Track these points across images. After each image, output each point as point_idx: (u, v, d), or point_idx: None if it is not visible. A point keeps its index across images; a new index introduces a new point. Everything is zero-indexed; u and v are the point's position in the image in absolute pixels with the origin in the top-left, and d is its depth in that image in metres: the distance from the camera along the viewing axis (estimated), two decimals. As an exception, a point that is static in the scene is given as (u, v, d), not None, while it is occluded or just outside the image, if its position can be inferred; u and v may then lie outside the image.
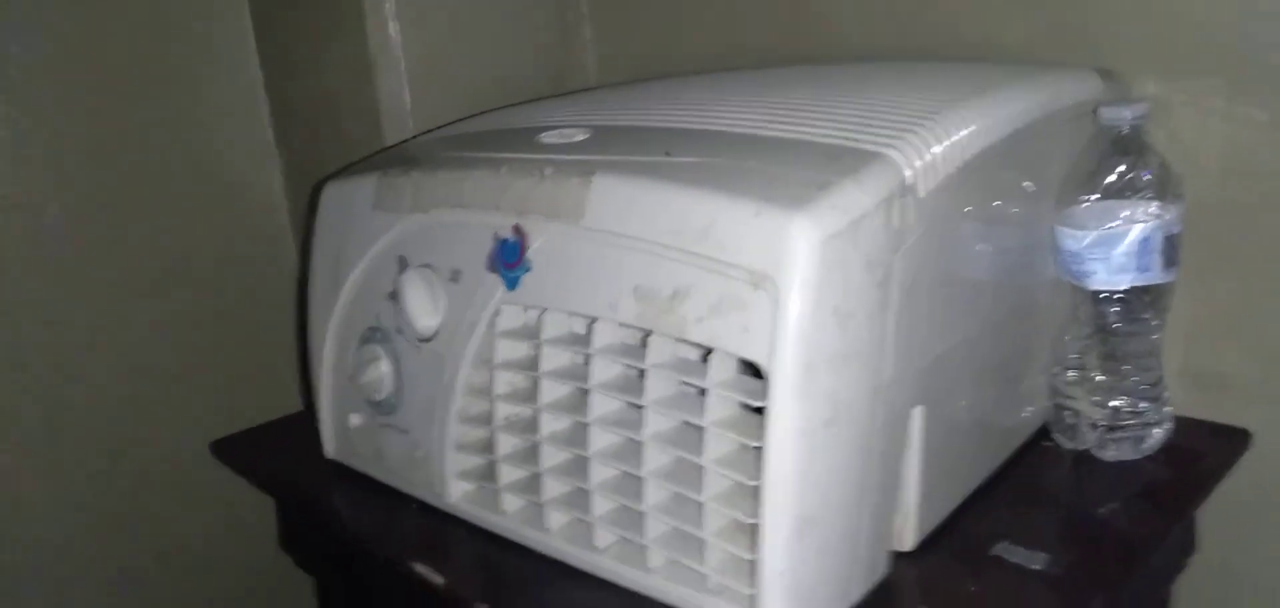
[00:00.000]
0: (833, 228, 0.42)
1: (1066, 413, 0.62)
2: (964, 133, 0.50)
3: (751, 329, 0.43)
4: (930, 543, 0.53)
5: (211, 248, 1.03)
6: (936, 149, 0.48)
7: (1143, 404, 0.60)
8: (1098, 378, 0.61)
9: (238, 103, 1.02)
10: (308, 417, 0.74)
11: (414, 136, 0.82)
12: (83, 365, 0.97)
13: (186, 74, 0.98)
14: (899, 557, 0.52)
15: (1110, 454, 0.60)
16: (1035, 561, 0.52)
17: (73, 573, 0.99)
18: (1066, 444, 0.63)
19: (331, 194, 0.68)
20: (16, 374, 0.93)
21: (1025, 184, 0.58)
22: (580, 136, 0.58)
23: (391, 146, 0.80)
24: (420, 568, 0.59)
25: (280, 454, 0.77)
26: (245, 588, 1.09)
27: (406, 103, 0.83)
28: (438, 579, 0.58)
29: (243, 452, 0.79)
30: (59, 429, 0.96)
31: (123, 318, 0.98)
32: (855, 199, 0.43)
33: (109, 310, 0.98)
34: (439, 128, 0.77)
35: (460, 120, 0.77)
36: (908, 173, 0.46)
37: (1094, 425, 0.61)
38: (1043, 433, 0.64)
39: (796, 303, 0.42)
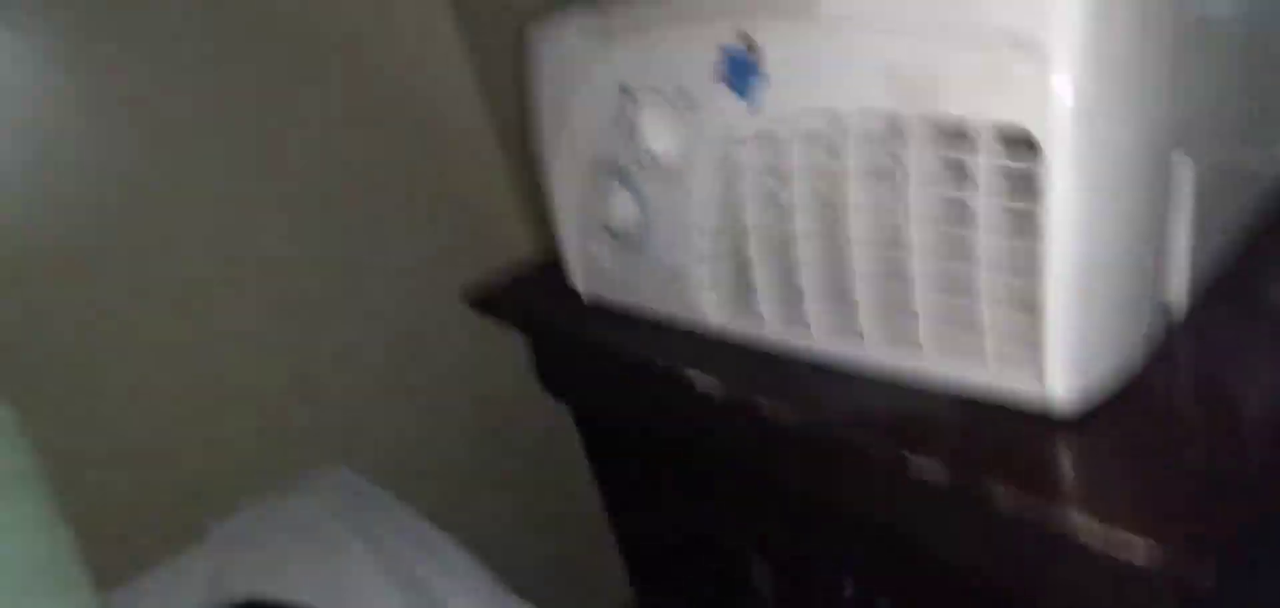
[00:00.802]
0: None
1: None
2: None
3: (1019, 97, 0.42)
4: (1210, 297, 0.51)
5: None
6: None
7: None
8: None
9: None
10: (547, 262, 0.78)
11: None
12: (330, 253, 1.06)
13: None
14: (1179, 314, 0.50)
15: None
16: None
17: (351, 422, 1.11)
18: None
19: (542, 40, 0.69)
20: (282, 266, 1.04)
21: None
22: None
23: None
24: (690, 375, 0.62)
25: (530, 295, 0.82)
26: (504, 418, 1.20)
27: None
28: (710, 383, 0.61)
29: (494, 297, 0.84)
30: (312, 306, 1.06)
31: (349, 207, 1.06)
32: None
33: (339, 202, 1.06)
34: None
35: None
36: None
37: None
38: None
39: (1067, 61, 0.40)
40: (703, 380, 0.62)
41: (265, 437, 1.09)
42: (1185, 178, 0.48)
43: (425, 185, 1.14)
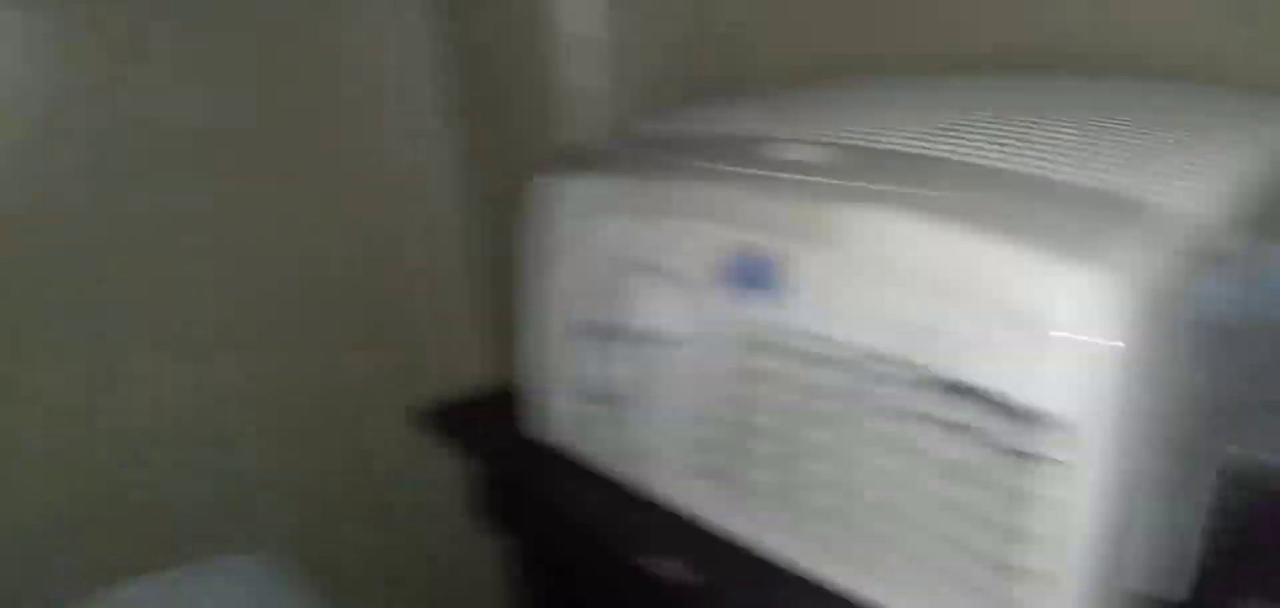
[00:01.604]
0: (1145, 284, 0.43)
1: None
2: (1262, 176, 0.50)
3: (1047, 381, 0.44)
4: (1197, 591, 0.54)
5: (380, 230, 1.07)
6: (1240, 202, 0.48)
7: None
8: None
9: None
10: (504, 392, 0.77)
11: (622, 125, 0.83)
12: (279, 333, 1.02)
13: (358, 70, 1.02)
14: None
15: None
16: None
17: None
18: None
19: (551, 189, 0.69)
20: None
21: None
22: (823, 155, 0.59)
23: (598, 141, 0.81)
24: (658, 562, 0.62)
25: (483, 428, 0.81)
26: (421, 539, 1.16)
27: (604, 87, 0.84)
28: (676, 574, 0.60)
29: (450, 422, 0.82)
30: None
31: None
32: (1164, 254, 0.44)
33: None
34: (644, 120, 0.78)
35: (658, 114, 0.78)
36: (1213, 225, 0.46)
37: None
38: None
39: (1108, 359, 0.43)
40: (663, 568, 0.61)
41: (185, 515, 1.03)
42: (1202, 484, 0.51)
43: (386, 301, 1.12)
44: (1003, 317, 0.46)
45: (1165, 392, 0.46)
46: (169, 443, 1.02)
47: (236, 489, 1.06)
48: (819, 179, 0.55)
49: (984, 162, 0.54)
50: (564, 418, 0.71)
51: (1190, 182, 0.48)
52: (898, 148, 0.58)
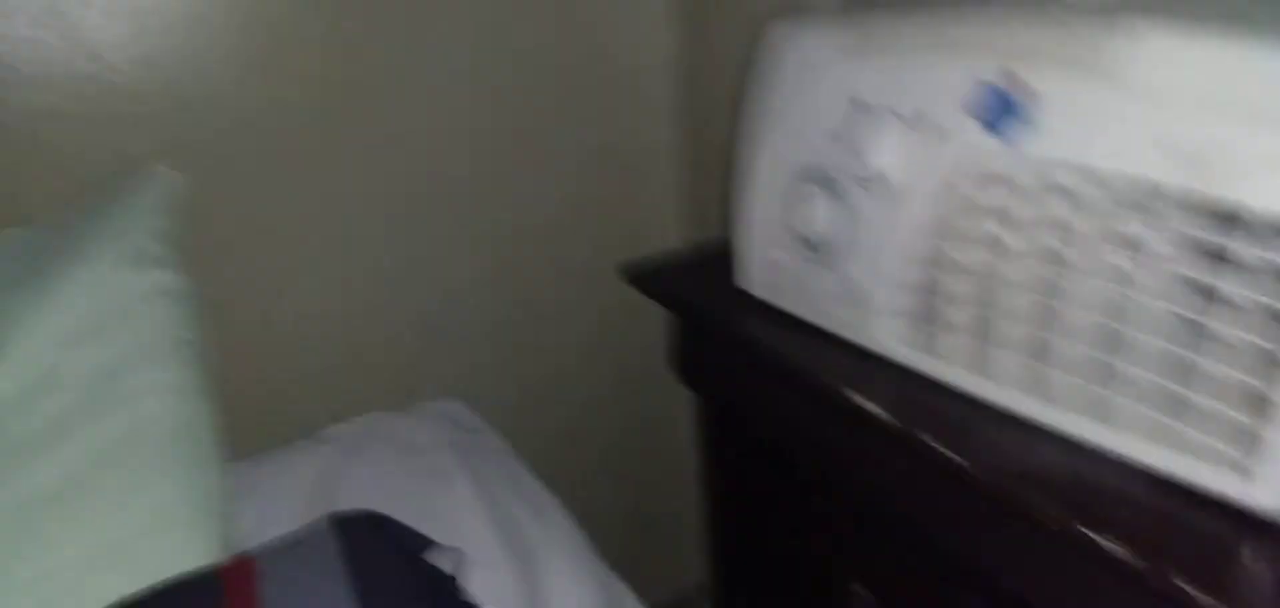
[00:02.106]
0: None
1: None
2: None
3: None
4: None
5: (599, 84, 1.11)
6: None
7: None
8: None
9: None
10: (712, 248, 0.79)
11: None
12: (488, 184, 1.09)
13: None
14: None
15: None
16: None
17: (476, 368, 1.14)
18: None
19: (788, 39, 0.70)
20: (437, 193, 1.07)
21: None
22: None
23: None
24: (859, 397, 0.62)
25: (690, 282, 0.83)
26: (615, 393, 1.21)
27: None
28: (881, 410, 0.61)
29: (655, 277, 0.85)
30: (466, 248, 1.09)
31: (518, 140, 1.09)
32: None
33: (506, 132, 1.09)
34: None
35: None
36: None
37: None
38: None
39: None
40: (867, 403, 0.62)
41: (397, 357, 1.12)
42: None
43: (598, 151, 1.16)
44: (1264, 123, 0.43)
45: None
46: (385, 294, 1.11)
47: (452, 343, 1.14)
48: (1069, 12, 0.53)
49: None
50: (775, 269, 0.73)
51: None
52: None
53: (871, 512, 0.70)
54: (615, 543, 1.05)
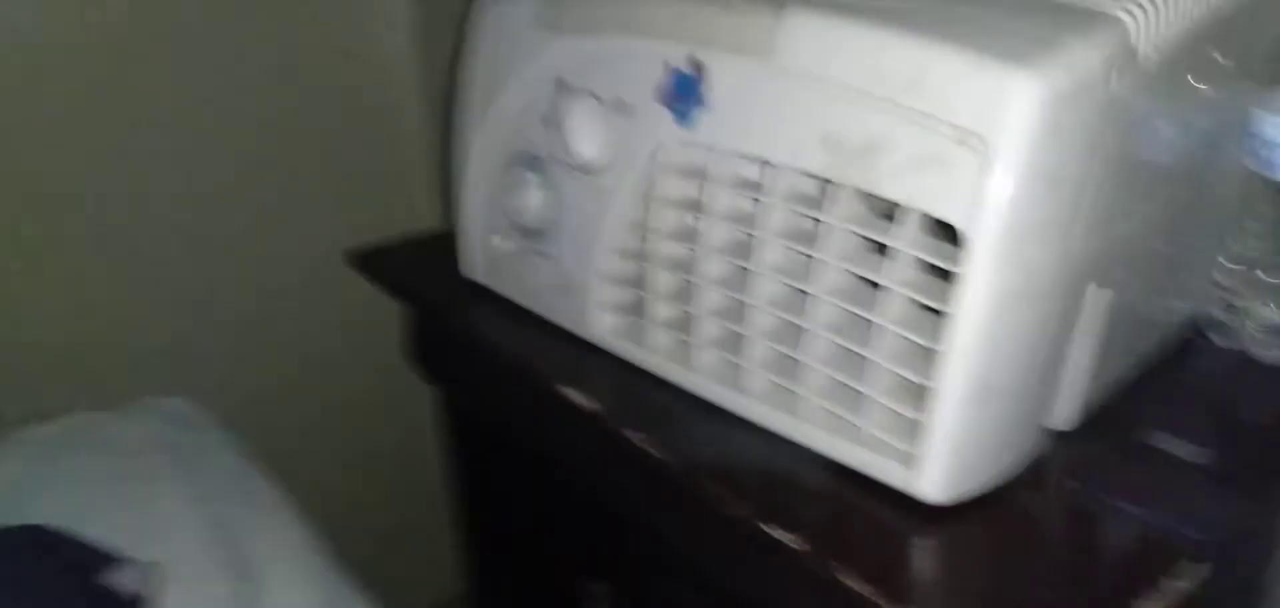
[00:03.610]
0: (1056, 88, 0.40)
1: (1227, 311, 0.60)
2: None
3: (953, 189, 0.42)
4: (1087, 427, 0.53)
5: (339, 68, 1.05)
6: (1164, 15, 0.45)
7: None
8: (1270, 275, 0.58)
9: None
10: (444, 236, 0.75)
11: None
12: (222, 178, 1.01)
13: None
14: (1055, 436, 0.52)
15: (1273, 355, 0.59)
16: (1191, 453, 0.51)
17: (210, 362, 1.05)
18: (1221, 344, 0.61)
19: (490, 11, 0.67)
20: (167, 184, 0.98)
21: (1235, 62, 0.54)
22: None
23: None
24: (569, 390, 0.60)
25: (418, 270, 0.79)
26: (365, 389, 1.15)
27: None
28: (588, 402, 0.59)
29: (381, 264, 0.81)
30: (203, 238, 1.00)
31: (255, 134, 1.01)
32: (1080, 59, 0.41)
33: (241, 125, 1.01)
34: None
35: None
36: (1134, 38, 0.44)
37: (1261, 325, 0.59)
38: (1196, 333, 0.63)
39: (1010, 165, 0.40)
40: (578, 396, 0.60)
41: (120, 354, 1.02)
42: (1097, 311, 0.49)
43: (344, 140, 1.10)
44: (913, 121, 0.43)
45: (1067, 205, 0.43)
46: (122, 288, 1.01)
47: (180, 339, 1.05)
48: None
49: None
50: (495, 257, 0.70)
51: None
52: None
53: (597, 507, 0.69)
54: (374, 552, 1.01)
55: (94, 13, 0.92)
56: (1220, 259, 0.61)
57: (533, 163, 0.64)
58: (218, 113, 1.01)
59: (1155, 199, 0.52)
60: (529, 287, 0.67)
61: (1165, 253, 0.57)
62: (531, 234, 0.65)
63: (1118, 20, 0.43)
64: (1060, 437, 0.52)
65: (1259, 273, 0.59)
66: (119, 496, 0.79)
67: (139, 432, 0.88)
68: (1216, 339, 0.61)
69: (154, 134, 0.98)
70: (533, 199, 0.64)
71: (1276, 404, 0.56)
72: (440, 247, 0.79)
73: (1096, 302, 0.49)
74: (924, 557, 0.47)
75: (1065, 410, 0.51)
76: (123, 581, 0.63)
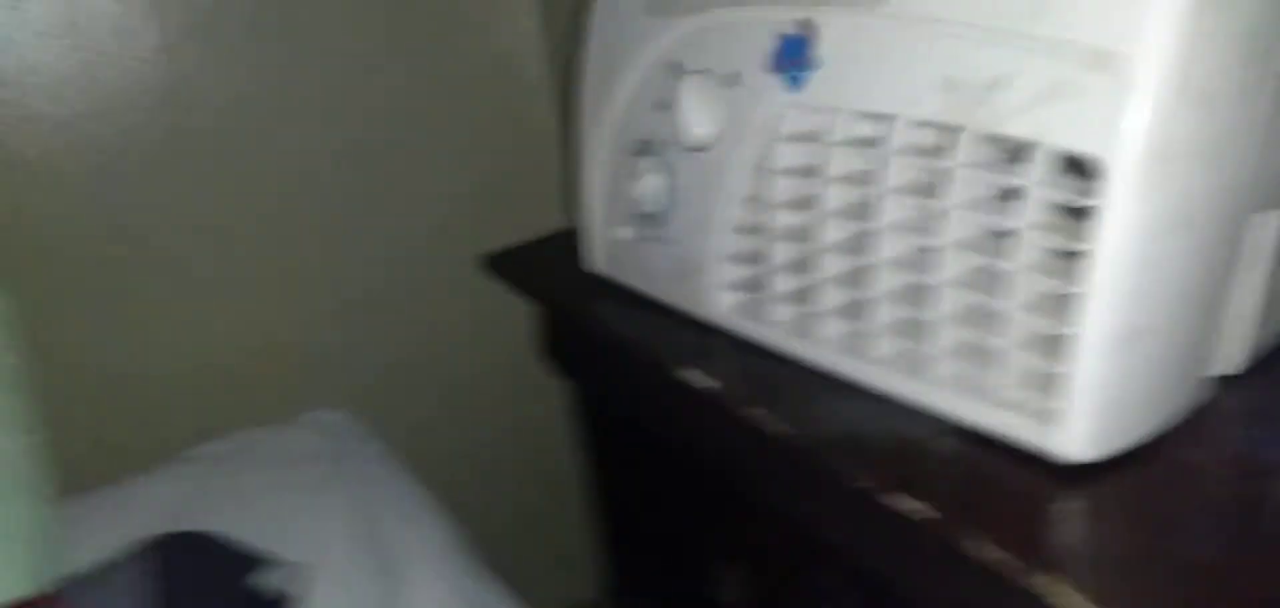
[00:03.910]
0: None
1: None
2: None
3: (1085, 118, 0.39)
4: (1257, 371, 0.48)
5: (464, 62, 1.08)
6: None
7: None
8: None
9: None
10: (572, 234, 0.76)
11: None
12: (363, 186, 1.05)
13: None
14: (1224, 380, 0.47)
15: None
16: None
17: (350, 362, 1.10)
18: None
19: (602, 5, 0.67)
20: (309, 195, 1.03)
21: None
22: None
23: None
24: (691, 373, 0.60)
25: (547, 268, 0.80)
26: (499, 381, 1.18)
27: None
28: (710, 383, 0.58)
29: (512, 266, 0.82)
30: (336, 235, 1.05)
31: (385, 133, 1.05)
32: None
33: (382, 134, 1.05)
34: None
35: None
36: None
37: None
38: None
39: (1152, 83, 0.37)
40: (700, 378, 0.59)
41: (272, 369, 1.07)
42: (1264, 242, 0.45)
43: (476, 138, 1.13)
44: (1037, 49, 0.40)
45: (1223, 124, 0.39)
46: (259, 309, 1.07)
47: (319, 356, 1.10)
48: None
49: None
50: (616, 247, 0.70)
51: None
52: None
53: (727, 490, 0.68)
54: (513, 550, 1.02)
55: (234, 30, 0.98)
56: None
57: (649, 148, 0.64)
58: (366, 125, 1.05)
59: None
60: (650, 273, 0.67)
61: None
62: (650, 220, 0.65)
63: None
64: (1227, 382, 0.47)
65: None
66: (278, 504, 0.84)
67: (298, 445, 0.93)
68: None
69: (297, 149, 1.03)
70: (650, 185, 0.64)
71: None
72: (566, 244, 0.81)
73: (1263, 230, 0.44)
74: (1068, 520, 0.43)
75: (1231, 353, 0.46)
76: (270, 581, 0.66)
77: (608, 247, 0.71)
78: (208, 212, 1.00)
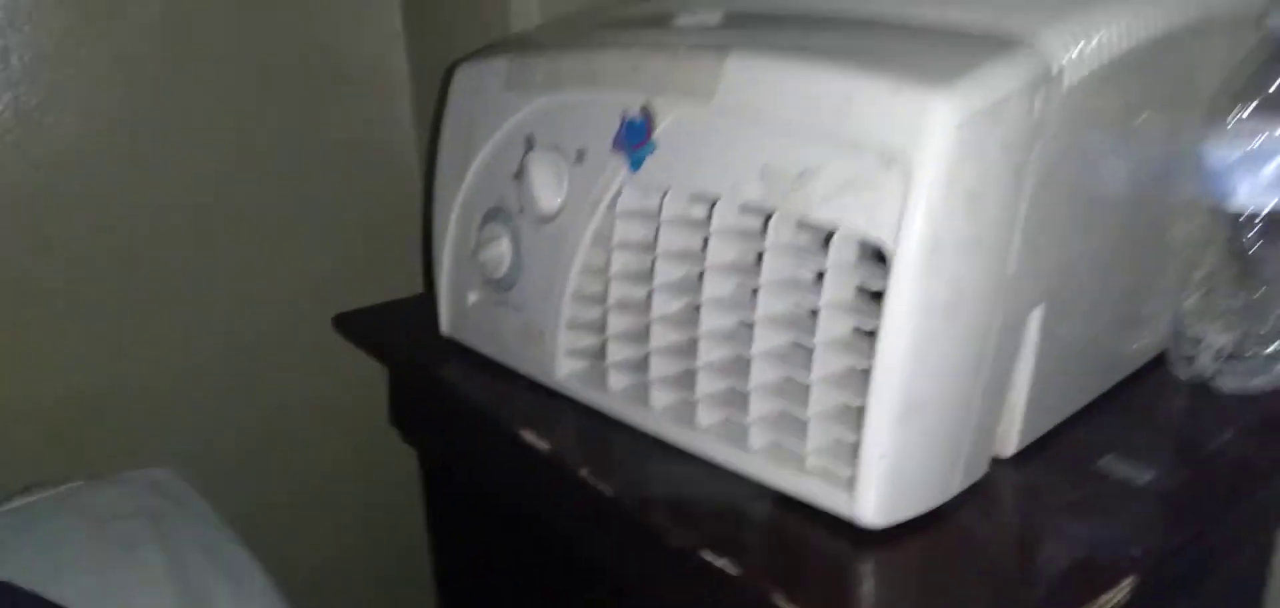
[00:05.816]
0: (971, 108, 0.42)
1: (1187, 342, 0.61)
2: (1115, 27, 0.49)
3: (878, 209, 0.44)
4: (1032, 451, 0.53)
5: (336, 131, 1.08)
6: (1085, 42, 0.47)
7: (1272, 335, 0.58)
8: (1226, 303, 0.59)
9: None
10: (427, 298, 0.77)
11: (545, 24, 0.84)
12: (215, 236, 1.03)
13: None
14: (999, 461, 0.52)
15: (1229, 385, 0.59)
16: (1140, 476, 0.51)
17: (196, 421, 1.06)
18: (1182, 375, 0.61)
19: (463, 75, 0.70)
20: (158, 242, 1.00)
21: (1173, 92, 0.56)
22: (715, 21, 0.59)
23: (524, 31, 0.82)
24: (526, 434, 0.61)
25: (398, 330, 0.81)
26: (351, 452, 1.16)
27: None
28: (542, 445, 0.60)
29: (362, 326, 0.82)
30: (192, 291, 1.03)
31: (251, 194, 1.04)
32: (997, 82, 0.43)
33: (237, 186, 1.04)
34: (571, 15, 0.79)
35: (590, 10, 0.78)
36: (1053, 63, 0.45)
37: (1217, 354, 0.59)
38: (1158, 363, 0.63)
39: (928, 180, 0.42)
40: (535, 438, 0.61)
41: (111, 422, 1.03)
42: (1030, 336, 0.50)
43: (344, 209, 1.12)
44: (840, 145, 0.45)
45: (993, 224, 0.44)
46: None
47: (163, 413, 1.07)
48: (697, 39, 0.55)
49: (865, 10, 0.54)
50: (468, 312, 0.71)
51: (1049, 25, 0.47)
52: (791, 9, 0.58)
53: (565, 554, 0.69)
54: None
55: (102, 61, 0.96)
56: (1181, 290, 0.61)
57: (502, 217, 0.66)
58: (218, 181, 1.04)
59: (1100, 227, 0.54)
60: (498, 339, 0.68)
61: (1118, 281, 0.57)
62: (497, 286, 0.67)
63: (1039, 48, 0.45)
64: (1009, 461, 0.52)
65: (1217, 299, 0.59)
66: (93, 560, 0.80)
67: (120, 500, 0.89)
68: (1176, 369, 0.61)
69: (146, 204, 1.00)
70: (498, 251, 0.66)
71: (1229, 429, 0.56)
72: (420, 309, 0.81)
73: (1039, 326, 0.49)
74: (860, 582, 0.47)
75: (1011, 434, 0.51)
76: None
77: (457, 311, 0.72)
78: (56, 252, 0.96)
